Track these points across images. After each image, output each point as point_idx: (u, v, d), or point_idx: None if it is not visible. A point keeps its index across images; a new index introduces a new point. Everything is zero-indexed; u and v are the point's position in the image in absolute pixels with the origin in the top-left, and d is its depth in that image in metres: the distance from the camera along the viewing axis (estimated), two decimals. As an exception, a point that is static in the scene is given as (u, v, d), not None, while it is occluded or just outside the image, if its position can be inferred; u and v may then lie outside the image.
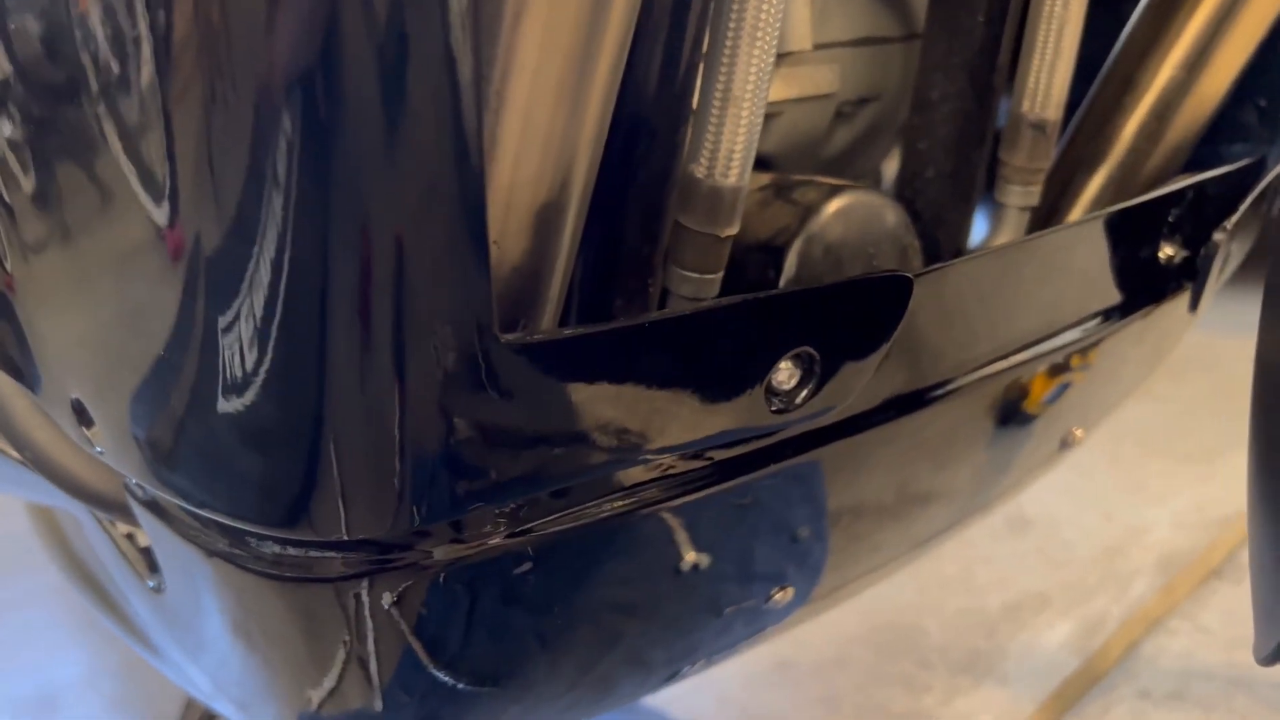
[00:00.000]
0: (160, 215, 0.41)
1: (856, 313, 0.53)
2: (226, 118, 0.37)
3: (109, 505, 0.63)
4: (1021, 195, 0.77)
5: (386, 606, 0.51)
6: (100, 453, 0.53)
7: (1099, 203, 0.84)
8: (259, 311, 0.40)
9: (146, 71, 0.38)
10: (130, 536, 0.65)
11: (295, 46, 0.36)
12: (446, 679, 0.56)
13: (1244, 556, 1.48)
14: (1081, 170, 0.84)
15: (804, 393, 0.52)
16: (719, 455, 0.54)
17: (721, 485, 0.55)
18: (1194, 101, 0.80)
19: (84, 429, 0.53)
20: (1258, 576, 0.65)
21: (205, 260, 0.40)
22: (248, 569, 0.50)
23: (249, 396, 0.43)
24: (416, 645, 0.54)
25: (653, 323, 0.46)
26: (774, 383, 0.51)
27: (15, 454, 0.67)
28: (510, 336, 0.42)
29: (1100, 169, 0.84)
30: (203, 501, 0.48)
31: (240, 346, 0.42)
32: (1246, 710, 1.18)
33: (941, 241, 0.80)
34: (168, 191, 0.40)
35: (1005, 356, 0.66)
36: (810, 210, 0.69)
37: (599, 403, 0.46)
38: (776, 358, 0.50)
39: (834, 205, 0.70)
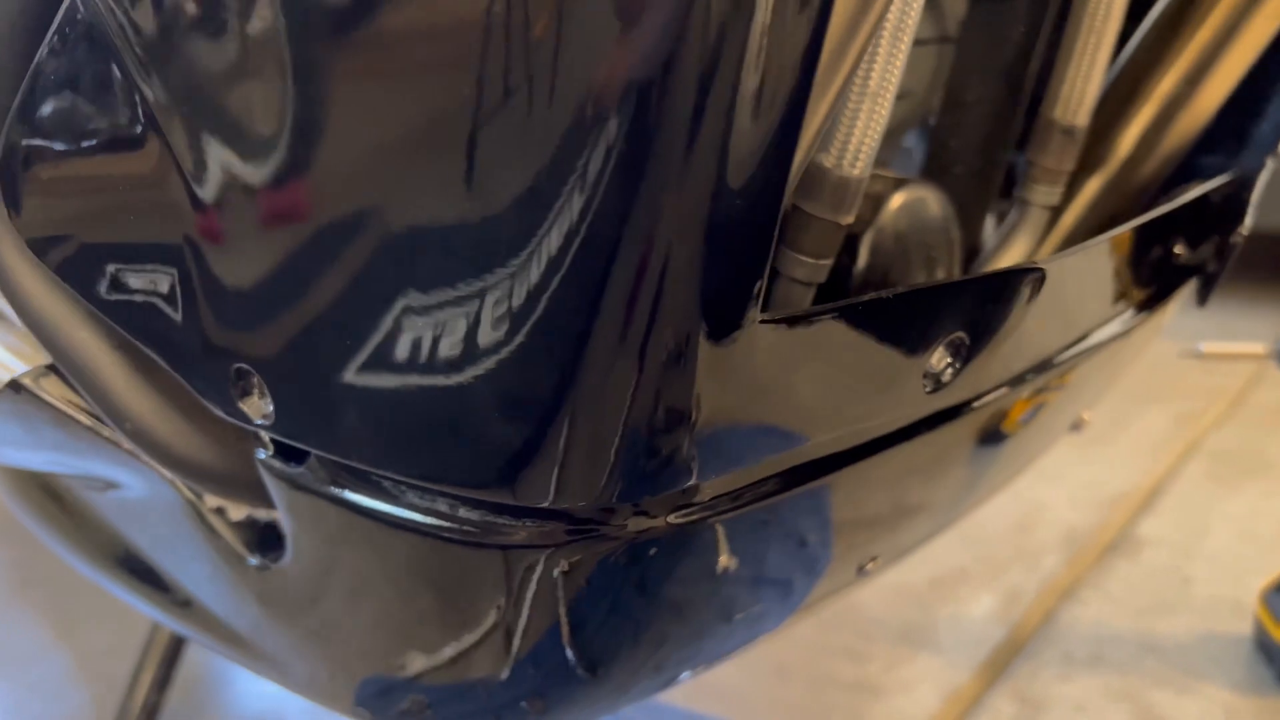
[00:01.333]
0: (440, 176, 0.40)
1: (998, 301, 0.56)
2: (544, 108, 0.38)
3: (209, 477, 0.61)
4: (1046, 194, 0.82)
5: (556, 576, 0.52)
6: (261, 423, 0.51)
7: (1096, 205, 0.90)
8: (532, 281, 0.40)
9: (461, 54, 0.38)
10: (221, 510, 0.63)
11: (625, 59, 0.37)
12: (577, 657, 0.57)
13: (1137, 531, 1.61)
14: (1083, 172, 0.90)
15: (949, 374, 0.56)
16: (872, 433, 0.57)
17: (864, 461, 0.58)
18: (1191, 114, 0.87)
19: (240, 400, 0.52)
20: None
21: (485, 230, 0.40)
22: (437, 536, 0.50)
23: (497, 364, 0.43)
24: (566, 619, 0.54)
25: (865, 304, 0.48)
26: (929, 365, 0.55)
27: (89, 423, 0.64)
28: (767, 315, 0.43)
29: (1100, 172, 0.90)
30: (402, 468, 0.47)
31: (495, 314, 0.42)
32: (1157, 671, 1.29)
33: (962, 236, 0.85)
34: (451, 153, 0.40)
35: (1071, 347, 0.71)
36: (880, 201, 0.73)
37: (810, 381, 0.48)
38: (940, 341, 0.53)
39: (901, 197, 0.73)
